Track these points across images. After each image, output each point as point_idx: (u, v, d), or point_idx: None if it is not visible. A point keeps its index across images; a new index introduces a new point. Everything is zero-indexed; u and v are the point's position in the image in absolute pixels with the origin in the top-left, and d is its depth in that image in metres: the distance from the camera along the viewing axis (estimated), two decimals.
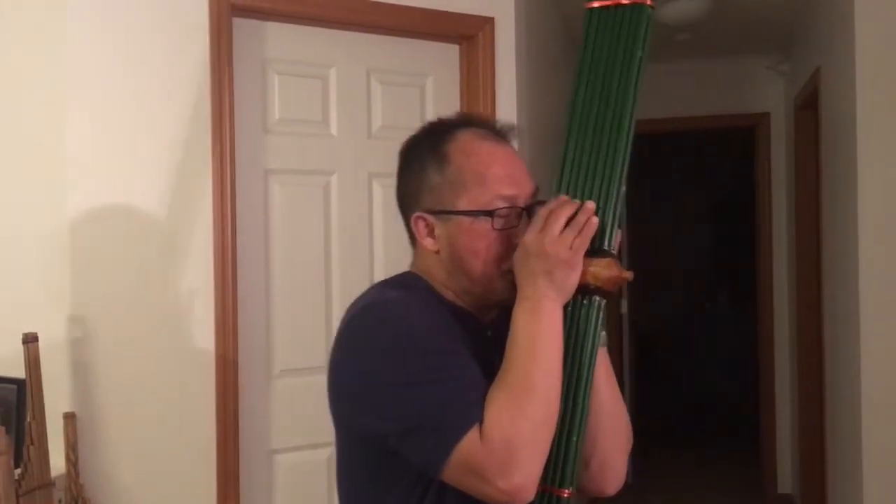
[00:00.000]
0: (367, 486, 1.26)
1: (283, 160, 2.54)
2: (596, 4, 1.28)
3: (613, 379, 1.30)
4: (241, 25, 2.43)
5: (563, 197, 1.21)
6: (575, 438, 1.18)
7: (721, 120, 5.24)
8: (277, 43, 2.53)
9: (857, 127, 2.98)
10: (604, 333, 1.24)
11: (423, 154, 1.29)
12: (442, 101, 2.80)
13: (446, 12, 2.72)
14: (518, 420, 1.09)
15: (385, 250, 2.69)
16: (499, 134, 1.30)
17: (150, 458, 2.24)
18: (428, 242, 1.28)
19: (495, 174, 1.24)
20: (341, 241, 2.63)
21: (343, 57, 2.64)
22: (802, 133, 4.41)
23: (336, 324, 2.74)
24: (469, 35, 2.78)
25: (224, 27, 2.33)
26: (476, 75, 2.79)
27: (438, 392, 1.12)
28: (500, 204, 1.23)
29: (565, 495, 1.18)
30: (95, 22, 2.20)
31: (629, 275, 1.20)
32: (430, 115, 2.79)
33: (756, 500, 5.18)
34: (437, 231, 1.27)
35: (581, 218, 1.17)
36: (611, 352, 4.79)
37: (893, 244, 2.93)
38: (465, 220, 1.24)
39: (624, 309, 5.40)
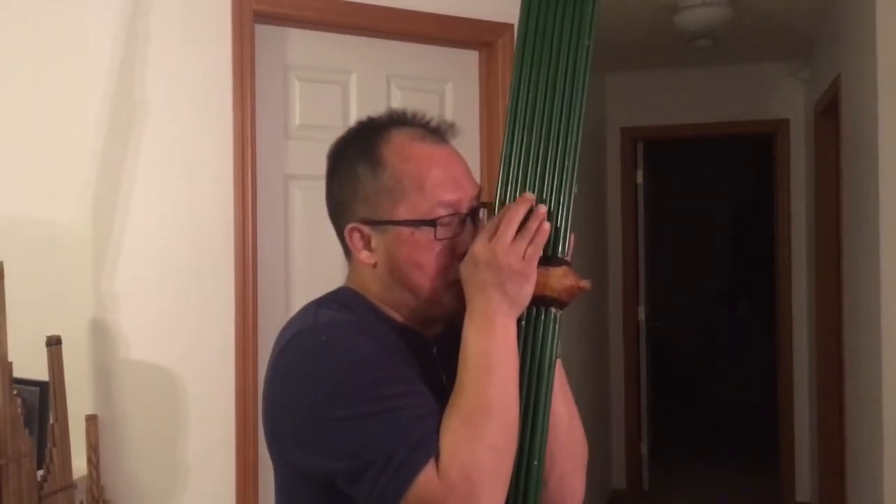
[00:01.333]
0: None
1: (303, 166, 2.55)
2: None
3: (569, 392, 1.21)
4: (263, 32, 2.45)
5: (526, 196, 1.12)
6: (536, 462, 1.09)
7: (741, 126, 5.22)
8: (299, 49, 2.55)
9: (879, 134, 2.96)
10: (558, 344, 1.15)
11: (355, 158, 1.18)
12: (461, 108, 2.81)
13: (466, 19, 2.73)
14: (477, 449, 1.00)
15: None
16: (436, 133, 1.19)
17: (171, 459, 2.26)
18: (364, 255, 1.17)
19: (435, 178, 1.13)
20: None
21: (363, 63, 2.66)
22: (823, 140, 4.38)
23: None
24: (488, 41, 2.79)
25: (246, 33, 2.35)
26: (495, 81, 2.79)
27: (388, 425, 1.01)
28: (442, 211, 1.12)
29: None
30: (119, 29, 2.23)
31: (587, 284, 1.11)
32: (444, 119, 2.80)
33: None
34: (373, 243, 1.16)
35: (532, 224, 1.08)
36: (629, 358, 4.78)
37: None
38: (405, 230, 1.13)
39: (642, 315, 5.38)
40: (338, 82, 2.63)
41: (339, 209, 1.20)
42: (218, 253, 2.32)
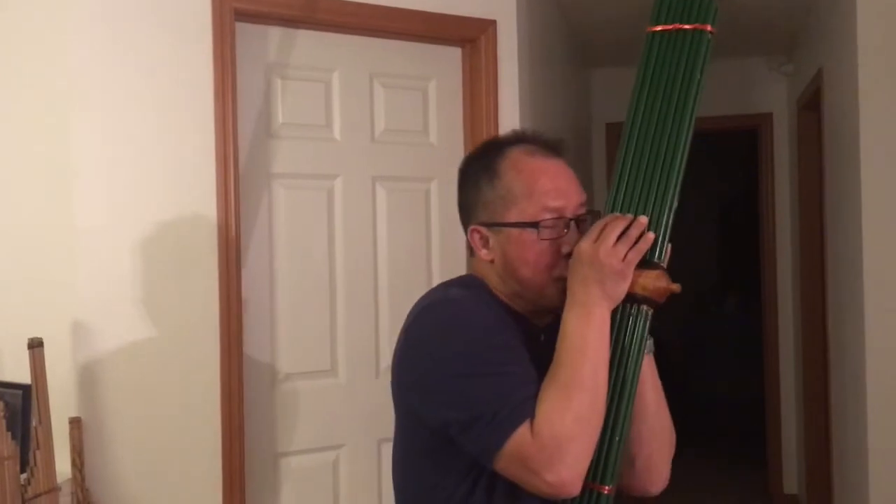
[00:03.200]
0: (424, 471, 1.34)
1: (286, 164, 2.54)
2: (658, 28, 1.39)
3: (659, 384, 1.37)
4: (245, 30, 2.43)
5: (629, 216, 1.30)
6: (618, 438, 1.25)
7: (724, 121, 5.24)
8: (280, 47, 2.54)
9: (860, 127, 2.98)
10: (651, 341, 1.31)
11: (478, 171, 1.38)
12: (445, 105, 2.81)
13: (448, 16, 2.72)
14: (566, 417, 1.17)
15: (389, 253, 2.70)
16: (549, 148, 1.38)
17: (156, 462, 2.25)
18: (483, 253, 1.37)
19: (542, 187, 1.32)
20: (345, 244, 2.64)
21: (346, 61, 2.65)
22: (805, 134, 4.41)
23: (340, 327, 2.74)
24: (471, 38, 2.79)
25: (227, 32, 2.33)
26: (479, 78, 2.79)
27: (497, 385, 1.20)
28: (547, 215, 1.31)
29: (605, 491, 1.25)
30: (98, 27, 2.21)
31: (677, 287, 1.27)
32: (433, 119, 2.80)
33: (762, 500, 5.17)
34: (490, 242, 1.36)
35: (633, 232, 1.25)
36: None
37: None
38: (514, 231, 1.32)
39: None
40: (320, 80, 2.62)
41: (465, 214, 1.41)
42: (201, 253, 2.31)
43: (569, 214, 1.33)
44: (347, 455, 2.63)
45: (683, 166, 1.32)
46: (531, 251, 1.31)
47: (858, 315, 3.04)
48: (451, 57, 2.83)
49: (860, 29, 2.99)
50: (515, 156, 1.36)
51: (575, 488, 1.18)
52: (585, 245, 1.26)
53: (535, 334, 1.36)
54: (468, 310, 1.30)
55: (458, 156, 2.76)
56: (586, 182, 5.23)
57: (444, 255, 2.77)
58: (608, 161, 5.35)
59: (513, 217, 1.32)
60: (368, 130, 2.69)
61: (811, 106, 4.10)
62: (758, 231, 5.34)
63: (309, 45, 2.59)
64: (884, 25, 2.96)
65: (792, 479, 5.08)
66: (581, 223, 1.35)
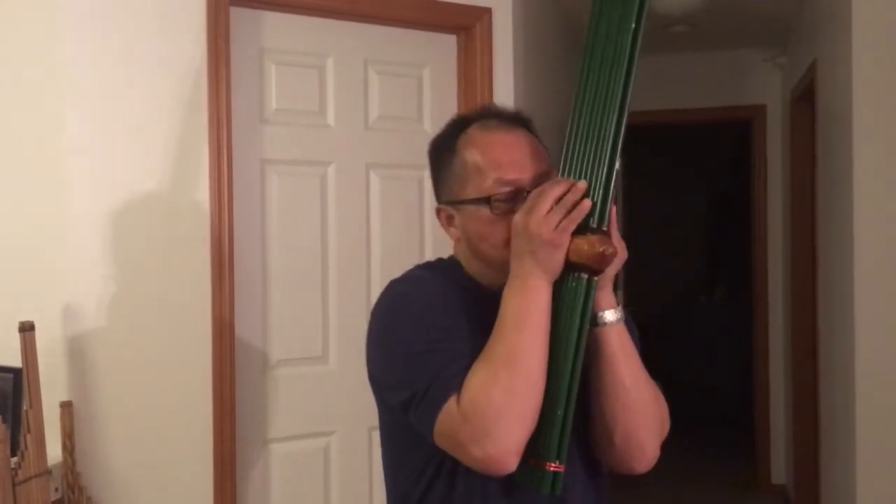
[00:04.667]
0: (398, 452, 1.36)
1: (280, 150, 2.54)
2: None
3: (633, 356, 1.30)
4: (238, 15, 2.42)
5: (566, 180, 1.24)
6: (560, 412, 1.18)
7: (717, 112, 5.24)
8: (274, 33, 2.53)
9: (854, 119, 2.98)
10: (620, 308, 1.28)
11: (441, 150, 1.37)
12: (439, 92, 2.80)
13: (444, 2, 2.71)
14: (493, 391, 1.14)
15: (382, 240, 2.70)
16: (508, 121, 1.35)
17: (147, 446, 2.25)
18: (451, 232, 1.36)
19: (495, 161, 1.29)
20: (338, 231, 2.63)
21: (340, 47, 2.64)
22: (799, 125, 4.41)
23: (332, 314, 2.75)
24: (466, 26, 2.78)
25: (221, 17, 2.32)
26: (473, 66, 2.78)
27: (430, 363, 1.20)
28: (501, 189, 1.27)
29: (549, 468, 1.18)
30: (91, 12, 2.20)
31: (613, 250, 1.19)
32: (428, 106, 2.80)
33: (750, 490, 5.20)
34: (455, 221, 1.35)
35: (569, 198, 1.20)
36: None
37: (888, 236, 2.94)
38: (471, 207, 1.30)
39: (620, 301, 5.40)
40: (314, 66, 2.61)
41: (435, 194, 1.40)
42: (194, 238, 2.30)
43: (526, 186, 1.27)
44: (338, 441, 2.63)
45: (623, 125, 1.23)
46: (488, 226, 1.28)
47: (848, 306, 3.05)
48: (446, 44, 2.82)
49: (855, 21, 2.99)
50: (472, 132, 1.33)
51: (507, 464, 1.16)
52: (518, 216, 1.21)
53: None
54: (413, 290, 1.31)
55: None
56: None
57: (437, 242, 2.76)
58: None
59: (470, 193, 1.30)
60: (362, 117, 2.69)
61: (805, 98, 4.10)
62: (749, 222, 5.35)
63: (303, 30, 2.57)
64: (878, 17, 2.96)
65: (780, 469, 5.12)
66: None
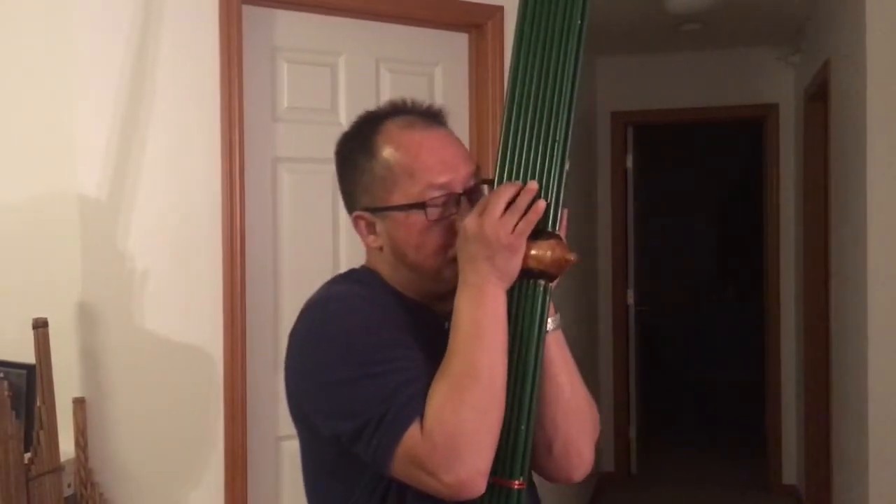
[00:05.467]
0: (333, 485, 1.23)
1: (291, 148, 2.54)
2: None
3: (571, 362, 1.25)
4: (251, 13, 2.43)
5: (516, 182, 1.16)
6: (524, 427, 1.13)
7: (730, 111, 5.23)
8: (287, 31, 2.53)
9: (867, 118, 2.97)
10: (558, 316, 1.21)
11: (355, 150, 1.26)
12: (451, 90, 2.80)
13: (456, 1, 2.71)
14: (460, 410, 1.06)
15: None
16: (429, 117, 1.26)
17: (159, 442, 2.26)
18: (370, 240, 1.26)
19: (424, 163, 1.20)
20: (349, 229, 2.60)
21: (352, 45, 2.64)
22: (812, 124, 4.39)
23: None
24: (478, 24, 2.78)
25: (234, 15, 2.33)
26: (485, 64, 2.78)
27: (380, 386, 1.09)
28: (434, 193, 1.19)
29: (514, 486, 1.12)
30: (104, 9, 2.20)
31: (574, 256, 1.14)
32: (439, 104, 2.79)
33: (761, 490, 5.19)
34: (377, 228, 1.25)
35: (522, 200, 1.13)
36: (617, 341, 4.80)
37: None
38: (400, 214, 1.20)
39: (631, 299, 5.40)
40: (326, 64, 2.61)
41: (347, 199, 1.29)
42: (206, 236, 2.31)
43: (458, 189, 1.20)
44: None
45: (570, 124, 1.17)
46: (420, 234, 1.19)
47: (861, 306, 3.04)
48: (458, 42, 2.82)
49: (869, 19, 2.97)
50: (391, 130, 1.23)
51: (478, 487, 1.07)
52: (470, 220, 1.13)
53: (437, 323, 1.22)
54: (346, 309, 1.18)
55: (463, 142, 2.77)
56: (590, 173, 5.23)
57: None
58: (613, 150, 5.34)
59: (396, 199, 1.20)
60: None
61: (818, 97, 4.08)
62: (761, 221, 5.33)
63: (315, 28, 2.58)
64: (892, 15, 2.95)
65: (791, 469, 5.10)
66: (472, 195, 1.22)
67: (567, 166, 1.16)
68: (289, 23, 2.53)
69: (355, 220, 1.27)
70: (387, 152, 1.22)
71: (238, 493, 2.34)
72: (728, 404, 7.03)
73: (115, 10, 2.21)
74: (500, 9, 2.78)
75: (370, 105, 2.63)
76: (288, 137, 2.54)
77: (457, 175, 1.21)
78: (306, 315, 1.22)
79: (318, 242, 2.60)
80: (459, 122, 2.80)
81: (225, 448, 2.32)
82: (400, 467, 1.09)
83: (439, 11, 2.70)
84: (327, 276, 2.64)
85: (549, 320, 1.18)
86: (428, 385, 1.09)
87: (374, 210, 1.23)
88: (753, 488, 5.23)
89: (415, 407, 1.08)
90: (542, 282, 1.15)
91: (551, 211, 1.15)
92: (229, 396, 2.32)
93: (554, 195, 1.16)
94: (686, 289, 7.86)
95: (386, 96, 2.70)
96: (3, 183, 2.27)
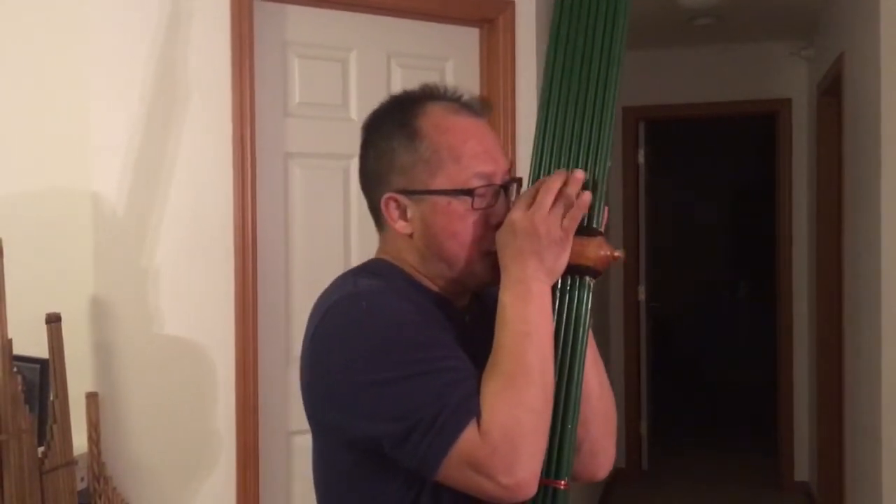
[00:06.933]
0: (351, 495, 1.17)
1: (303, 144, 2.54)
2: None
3: (601, 363, 1.25)
4: (262, 9, 2.43)
5: (562, 171, 1.14)
6: (570, 426, 1.11)
7: (742, 106, 5.20)
8: (298, 26, 2.53)
9: (882, 113, 2.95)
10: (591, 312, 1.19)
11: (391, 130, 1.20)
12: (462, 85, 2.77)
13: None
14: (517, 411, 1.03)
15: None
16: (470, 107, 1.22)
17: (171, 437, 2.27)
18: (400, 225, 1.19)
19: (472, 150, 1.16)
20: (361, 224, 2.64)
21: (363, 40, 2.64)
22: (825, 119, 4.37)
23: None
24: (489, 18, 2.77)
25: (245, 10, 2.33)
26: (496, 59, 2.78)
27: (430, 386, 1.04)
28: (478, 182, 1.15)
29: (561, 486, 1.10)
30: (117, 6, 2.21)
31: (620, 254, 1.14)
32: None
33: (772, 487, 5.17)
34: (409, 213, 1.18)
35: (571, 192, 1.10)
36: (629, 337, 4.80)
37: None
38: (442, 200, 1.15)
39: (642, 296, 5.39)
40: (337, 59, 2.61)
41: (374, 180, 1.22)
42: (218, 231, 2.31)
43: (498, 181, 1.17)
44: None
45: (612, 122, 1.17)
46: (460, 222, 1.14)
47: (875, 303, 3.02)
48: (469, 37, 2.81)
49: (883, 12, 2.95)
50: (438, 112, 1.18)
51: (532, 489, 1.04)
52: (518, 213, 1.09)
53: (460, 317, 1.20)
54: (380, 305, 1.11)
55: None
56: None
57: None
58: (624, 145, 5.32)
59: (439, 184, 1.15)
60: None
61: (832, 91, 4.06)
62: (774, 217, 5.31)
63: (326, 24, 2.58)
64: None
65: (803, 466, 5.08)
66: (508, 191, 1.19)
67: (609, 164, 1.16)
68: (300, 18, 2.53)
69: (386, 202, 1.19)
70: (433, 135, 1.16)
71: (250, 488, 2.34)
72: (740, 401, 7.01)
73: (130, 8, 2.22)
74: (511, 3, 2.77)
75: (381, 99, 2.65)
76: (299, 133, 2.54)
77: (498, 168, 1.18)
78: (334, 313, 1.13)
79: (329, 237, 2.60)
80: None
81: (237, 442, 2.33)
82: (451, 470, 1.03)
83: (450, 6, 2.70)
84: (339, 271, 2.65)
85: None
86: (477, 384, 1.06)
87: (412, 193, 1.17)
88: (765, 485, 5.21)
89: (470, 407, 1.03)
90: (587, 278, 1.14)
91: (596, 208, 1.14)
92: (241, 391, 2.33)
93: (599, 194, 1.14)
94: (697, 285, 7.84)
95: (397, 91, 2.69)
96: (17, 178, 2.28)
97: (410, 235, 1.19)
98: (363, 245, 2.64)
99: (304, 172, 2.55)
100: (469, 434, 1.02)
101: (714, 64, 5.12)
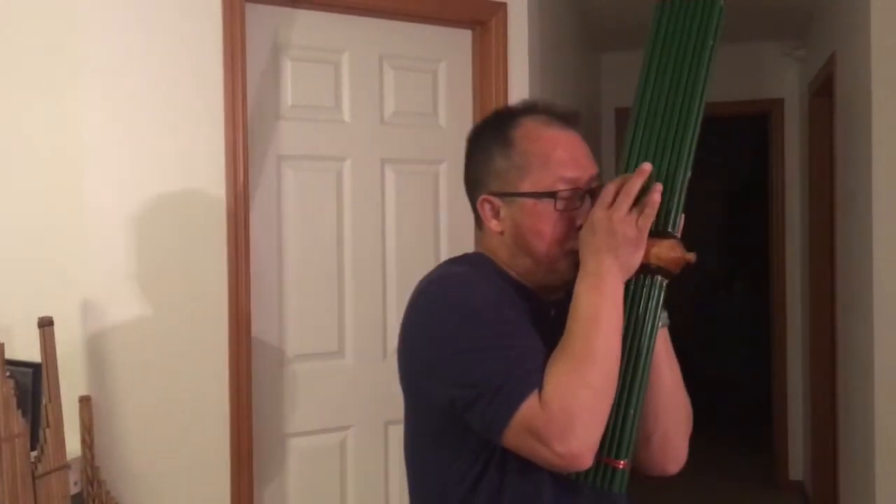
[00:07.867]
0: (435, 453, 1.32)
1: (295, 146, 2.54)
2: None
3: (674, 359, 1.34)
4: (254, 11, 2.42)
5: (644, 168, 1.25)
6: (632, 411, 1.21)
7: (734, 106, 5.20)
8: (290, 28, 2.53)
9: (873, 113, 2.96)
10: (665, 314, 1.28)
11: (489, 140, 1.35)
12: (454, 87, 2.80)
13: None
14: (577, 387, 1.14)
15: (397, 235, 2.70)
16: (562, 119, 1.35)
17: (165, 440, 2.26)
18: (493, 224, 1.34)
19: (558, 157, 1.29)
20: (354, 226, 2.64)
21: (355, 42, 2.64)
22: (817, 119, 4.38)
23: (348, 309, 2.75)
24: (482, 20, 2.77)
25: (237, 13, 2.32)
26: (488, 61, 2.78)
27: (500, 359, 1.17)
28: (562, 186, 1.28)
29: (620, 466, 1.20)
30: (107, 8, 2.21)
31: (692, 256, 1.24)
32: (443, 101, 2.79)
33: (767, 485, 5.18)
34: (501, 213, 1.33)
35: (650, 197, 1.21)
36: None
37: None
38: (529, 201, 1.29)
39: None
40: (330, 62, 2.61)
41: (474, 184, 1.37)
42: (210, 234, 2.31)
43: (583, 186, 1.30)
44: (355, 436, 2.64)
45: (696, 135, 1.28)
46: (545, 222, 1.28)
47: (867, 301, 3.03)
48: (461, 39, 2.82)
49: (874, 13, 2.96)
50: (530, 124, 1.33)
51: (586, 460, 1.15)
52: (599, 212, 1.22)
53: (545, 310, 1.33)
54: (467, 285, 1.27)
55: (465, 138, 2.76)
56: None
57: (452, 237, 2.77)
58: (617, 146, 5.33)
59: (527, 187, 1.29)
60: (378, 112, 2.69)
61: (823, 91, 4.07)
62: (767, 216, 5.32)
63: (318, 26, 2.58)
64: None
65: (797, 464, 5.09)
66: (593, 196, 1.30)
67: (689, 174, 1.26)
68: (292, 20, 2.53)
69: (481, 204, 1.34)
70: (524, 144, 1.31)
71: (244, 491, 2.34)
72: (735, 399, 7.02)
73: (119, 9, 2.21)
74: (504, 5, 2.77)
75: (374, 102, 2.67)
76: (292, 135, 2.54)
77: (584, 174, 1.30)
78: (428, 289, 1.29)
79: (322, 239, 2.60)
80: (462, 118, 2.80)
81: (231, 446, 2.32)
82: (513, 435, 1.15)
83: (442, 8, 2.70)
84: (332, 273, 2.67)
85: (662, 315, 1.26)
86: (543, 362, 1.17)
87: (504, 195, 1.32)
88: (760, 484, 5.22)
89: (534, 380, 1.15)
90: (658, 278, 1.24)
91: (673, 213, 1.24)
92: (235, 394, 2.32)
93: (677, 200, 1.25)
94: (692, 283, 7.84)
95: (389, 93, 2.70)
96: (9, 182, 2.27)
97: (502, 233, 1.34)
98: (356, 247, 2.64)
99: (296, 175, 2.55)
100: (530, 403, 1.14)
101: None
